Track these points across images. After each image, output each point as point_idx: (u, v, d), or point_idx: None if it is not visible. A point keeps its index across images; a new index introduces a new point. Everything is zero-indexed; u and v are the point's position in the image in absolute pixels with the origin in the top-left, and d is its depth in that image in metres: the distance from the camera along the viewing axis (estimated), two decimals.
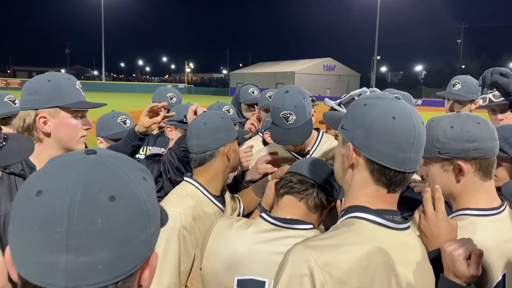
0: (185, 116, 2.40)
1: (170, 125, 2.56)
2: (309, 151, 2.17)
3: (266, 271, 1.37)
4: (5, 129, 2.66)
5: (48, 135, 1.71)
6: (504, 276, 1.35)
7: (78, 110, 1.76)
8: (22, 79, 63.63)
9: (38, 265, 0.59)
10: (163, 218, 0.76)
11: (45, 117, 1.69)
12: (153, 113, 2.06)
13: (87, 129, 1.82)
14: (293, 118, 1.98)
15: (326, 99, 2.11)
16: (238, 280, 1.42)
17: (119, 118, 2.75)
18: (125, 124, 2.77)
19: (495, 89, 2.30)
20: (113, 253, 0.60)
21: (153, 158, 2.40)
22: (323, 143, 2.21)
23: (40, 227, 0.59)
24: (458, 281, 1.13)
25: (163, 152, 2.71)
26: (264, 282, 1.39)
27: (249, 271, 1.41)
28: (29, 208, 0.60)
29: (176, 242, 1.62)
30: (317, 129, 2.26)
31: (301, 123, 2.00)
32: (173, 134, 2.54)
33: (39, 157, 1.72)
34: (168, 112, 2.34)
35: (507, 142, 1.68)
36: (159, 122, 2.17)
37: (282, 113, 1.99)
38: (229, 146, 1.82)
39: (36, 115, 1.68)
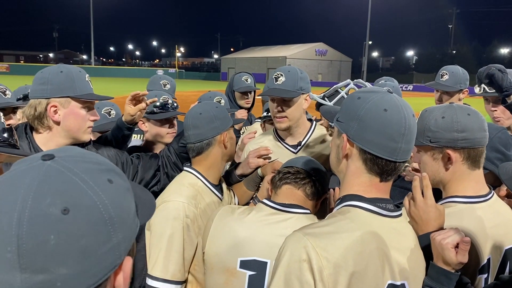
0: (155, 107, 2.41)
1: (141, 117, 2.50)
2: (300, 142, 2.21)
3: (268, 252, 1.43)
4: None
5: (57, 123, 1.78)
6: (488, 260, 1.42)
7: (87, 102, 1.82)
8: (10, 63, 62.58)
9: None
10: (144, 214, 0.72)
11: (56, 106, 1.75)
12: (137, 100, 2.08)
13: (93, 120, 1.87)
14: (282, 79, 2.08)
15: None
16: (241, 261, 1.48)
17: (103, 110, 2.75)
18: (110, 115, 2.77)
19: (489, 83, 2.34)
20: (71, 268, 0.56)
21: (150, 154, 2.37)
22: (316, 133, 2.26)
23: None
24: (447, 268, 1.20)
25: (142, 144, 2.69)
26: (266, 263, 1.45)
27: (251, 252, 1.48)
28: None
29: (180, 231, 1.66)
30: (310, 120, 2.31)
31: (288, 88, 2.07)
32: (146, 126, 2.52)
33: (47, 144, 1.79)
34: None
35: (485, 157, 1.61)
36: (144, 108, 2.14)
37: (275, 74, 2.11)
38: (225, 134, 1.87)
39: (47, 104, 1.75)
